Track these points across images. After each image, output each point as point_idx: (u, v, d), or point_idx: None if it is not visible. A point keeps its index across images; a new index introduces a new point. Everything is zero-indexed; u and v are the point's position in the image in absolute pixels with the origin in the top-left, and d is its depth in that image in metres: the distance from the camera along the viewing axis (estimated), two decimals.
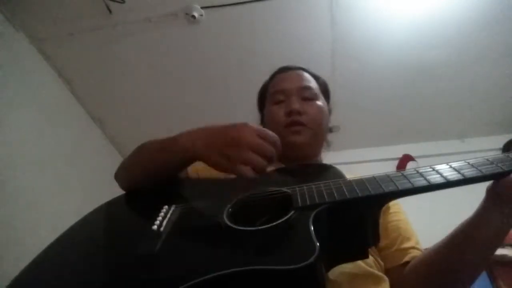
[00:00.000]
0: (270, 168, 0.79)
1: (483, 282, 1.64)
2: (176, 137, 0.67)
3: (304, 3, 1.78)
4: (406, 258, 0.76)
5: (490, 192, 0.60)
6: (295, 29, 1.87)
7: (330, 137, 1.03)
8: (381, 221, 0.81)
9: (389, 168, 2.12)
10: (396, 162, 2.40)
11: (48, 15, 1.78)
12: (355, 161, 2.26)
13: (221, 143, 0.60)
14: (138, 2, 1.74)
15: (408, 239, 0.80)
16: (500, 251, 1.67)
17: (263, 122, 1.00)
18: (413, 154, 2.39)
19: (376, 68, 2.05)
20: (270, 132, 0.61)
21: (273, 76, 1.02)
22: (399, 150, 2.43)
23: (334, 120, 1.03)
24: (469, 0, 1.74)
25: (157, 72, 2.09)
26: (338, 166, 0.70)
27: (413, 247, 0.79)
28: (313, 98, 0.93)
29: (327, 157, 1.01)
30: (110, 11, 1.74)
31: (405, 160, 2.39)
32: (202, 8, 1.78)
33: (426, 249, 0.76)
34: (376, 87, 2.15)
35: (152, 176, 0.72)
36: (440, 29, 1.86)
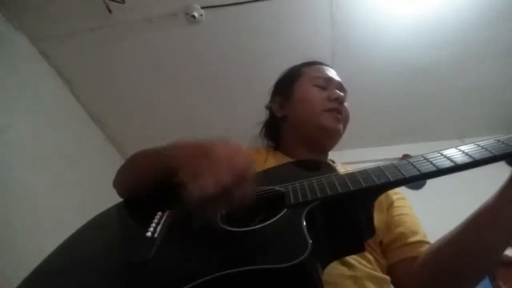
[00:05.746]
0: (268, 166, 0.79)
1: (483, 282, 1.64)
2: (165, 147, 0.66)
3: (304, 3, 1.78)
4: (414, 254, 0.74)
5: None
6: (295, 29, 1.87)
7: None
8: (384, 216, 0.79)
9: None
10: None
11: (48, 15, 1.77)
12: (355, 161, 2.26)
13: (199, 155, 0.55)
14: (138, 2, 1.74)
15: (414, 232, 0.78)
16: None
17: (286, 102, 0.97)
18: (413, 154, 2.38)
19: (376, 68, 2.05)
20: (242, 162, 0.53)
21: (309, 64, 1.02)
22: (399, 150, 2.43)
23: None
24: (469, 0, 1.74)
25: (157, 72, 2.09)
26: None
27: (420, 241, 0.76)
28: (345, 100, 0.95)
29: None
30: (110, 11, 1.74)
31: (404, 160, 2.39)
32: (202, 8, 1.77)
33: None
34: (376, 87, 2.15)
35: (143, 186, 0.71)
36: (440, 29, 1.85)
